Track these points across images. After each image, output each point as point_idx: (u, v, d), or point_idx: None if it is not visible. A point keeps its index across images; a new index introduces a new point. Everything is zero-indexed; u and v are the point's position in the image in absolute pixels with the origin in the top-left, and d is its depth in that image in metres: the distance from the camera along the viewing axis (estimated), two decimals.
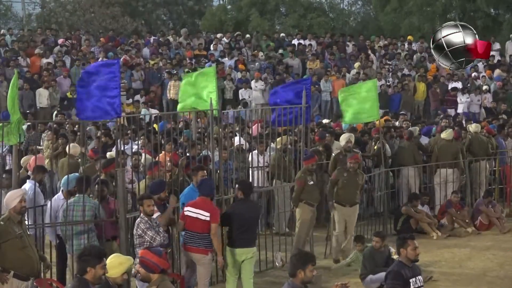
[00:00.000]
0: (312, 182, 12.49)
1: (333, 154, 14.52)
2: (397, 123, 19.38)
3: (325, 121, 20.06)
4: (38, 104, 22.55)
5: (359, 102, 14.95)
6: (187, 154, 12.88)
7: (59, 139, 15.40)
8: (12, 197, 8.80)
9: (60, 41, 27.40)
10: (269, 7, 37.71)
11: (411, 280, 7.86)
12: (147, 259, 6.97)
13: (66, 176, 10.74)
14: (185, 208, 10.19)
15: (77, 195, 10.26)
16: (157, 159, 12.02)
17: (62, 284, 9.99)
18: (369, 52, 28.26)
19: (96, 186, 10.57)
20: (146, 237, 9.49)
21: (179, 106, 13.15)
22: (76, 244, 9.98)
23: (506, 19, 35.88)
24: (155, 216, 9.79)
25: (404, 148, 16.24)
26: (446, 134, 16.27)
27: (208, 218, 9.96)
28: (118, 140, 11.16)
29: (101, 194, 10.50)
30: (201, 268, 10.16)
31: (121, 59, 24.83)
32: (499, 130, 18.39)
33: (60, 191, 10.91)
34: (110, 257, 7.27)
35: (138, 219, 9.64)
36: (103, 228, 10.21)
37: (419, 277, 8.01)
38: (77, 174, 11.00)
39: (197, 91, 12.58)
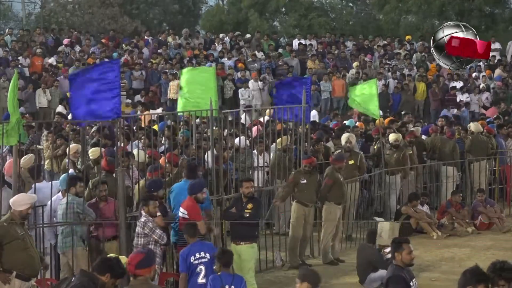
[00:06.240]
0: (305, 181, 12.37)
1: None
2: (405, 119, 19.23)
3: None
4: (37, 104, 22.61)
5: (362, 102, 15.05)
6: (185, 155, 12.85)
7: (57, 140, 15.35)
8: (22, 201, 8.86)
9: (65, 41, 27.36)
10: (269, 8, 37.64)
11: (411, 283, 7.78)
12: None
13: (63, 176, 10.77)
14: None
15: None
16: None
17: None
18: (369, 51, 28.25)
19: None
20: (154, 235, 9.59)
21: (179, 106, 13.03)
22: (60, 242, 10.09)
23: (505, 18, 35.85)
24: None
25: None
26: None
27: (186, 216, 9.99)
28: (119, 141, 11.14)
29: (99, 194, 10.52)
30: None
31: (122, 59, 24.87)
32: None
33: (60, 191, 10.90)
34: None
35: (144, 218, 9.67)
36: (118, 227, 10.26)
37: (414, 279, 7.91)
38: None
39: (196, 91, 12.52)
